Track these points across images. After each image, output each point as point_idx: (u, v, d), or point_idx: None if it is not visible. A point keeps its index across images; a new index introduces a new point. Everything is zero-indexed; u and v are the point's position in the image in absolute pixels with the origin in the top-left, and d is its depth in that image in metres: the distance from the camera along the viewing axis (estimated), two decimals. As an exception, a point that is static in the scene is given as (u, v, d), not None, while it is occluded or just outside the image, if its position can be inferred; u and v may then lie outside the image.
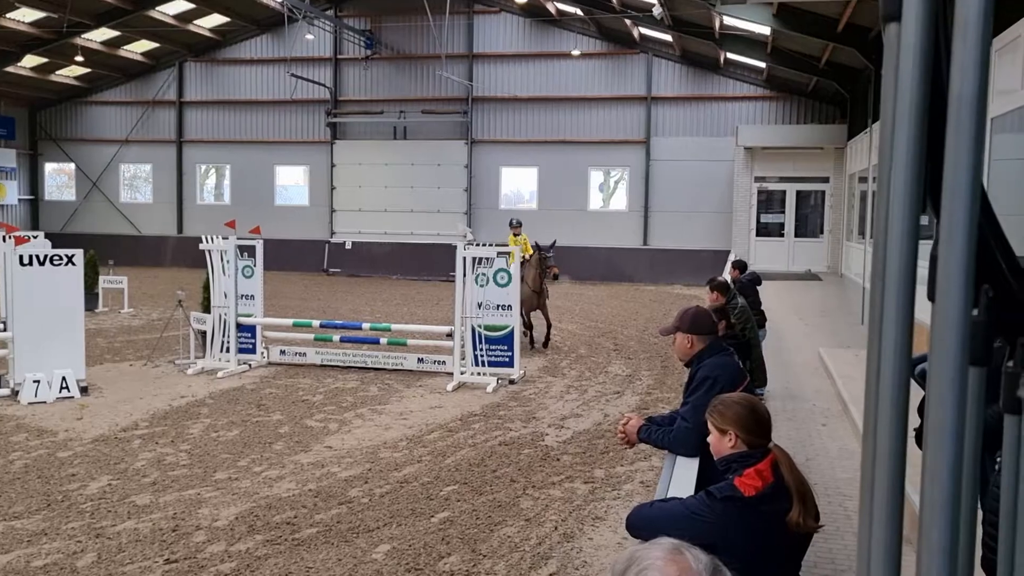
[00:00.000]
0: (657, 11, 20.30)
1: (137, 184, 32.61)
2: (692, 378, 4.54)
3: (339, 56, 29.71)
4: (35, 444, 8.96)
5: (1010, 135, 8.60)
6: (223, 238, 13.14)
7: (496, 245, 13.25)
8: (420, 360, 13.05)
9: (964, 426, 0.83)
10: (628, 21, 24.49)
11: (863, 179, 19.11)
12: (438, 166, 28.90)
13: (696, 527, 2.98)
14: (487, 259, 12.55)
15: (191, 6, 27.26)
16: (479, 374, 12.20)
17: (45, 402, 10.71)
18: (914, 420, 1.33)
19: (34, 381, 10.74)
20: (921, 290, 0.89)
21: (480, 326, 12.34)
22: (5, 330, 11.33)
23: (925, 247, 0.90)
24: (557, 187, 28.00)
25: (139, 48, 29.92)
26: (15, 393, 10.87)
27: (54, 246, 12.19)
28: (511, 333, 12.42)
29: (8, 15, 25.01)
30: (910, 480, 0.96)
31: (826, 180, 25.13)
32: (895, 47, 0.88)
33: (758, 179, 25.57)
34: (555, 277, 14.83)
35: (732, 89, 26.81)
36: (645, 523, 3.23)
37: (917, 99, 0.86)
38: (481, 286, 12.47)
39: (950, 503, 0.82)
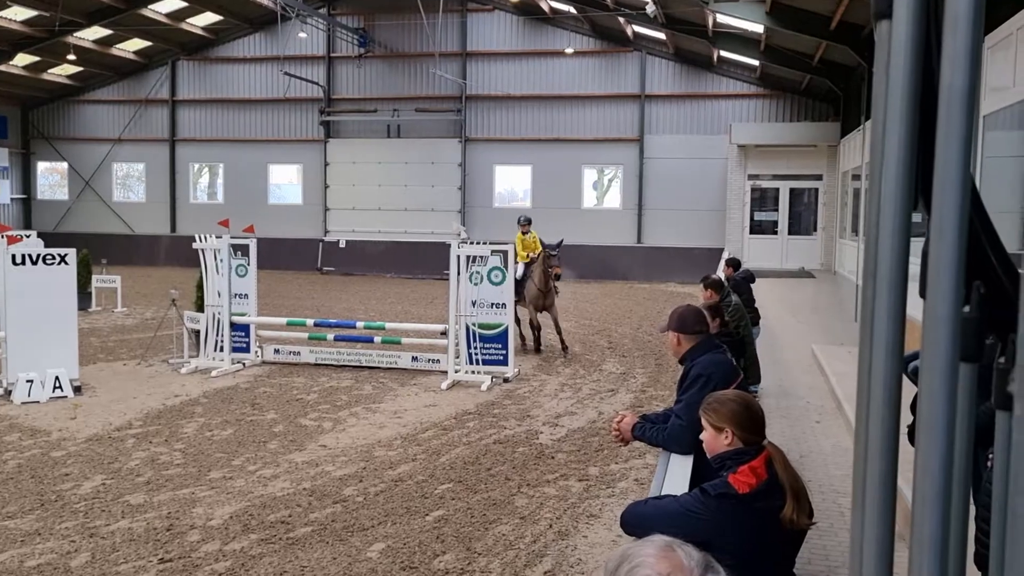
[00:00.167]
0: (650, 9, 20.29)
1: (130, 183, 32.53)
2: (685, 375, 4.55)
3: (332, 54, 29.66)
4: (28, 444, 8.94)
5: (1003, 132, 8.63)
6: (217, 237, 13.11)
7: (491, 243, 13.18)
8: (414, 359, 13.04)
9: (956, 422, 0.83)
10: (621, 19, 24.48)
11: (856, 177, 19.16)
12: (432, 164, 28.88)
13: (691, 524, 2.98)
14: (481, 257, 12.54)
15: (184, 4, 27.19)
16: (473, 372, 12.19)
17: (38, 402, 10.67)
18: (907, 417, 1.33)
19: (27, 381, 10.71)
20: (913, 287, 0.89)
21: (474, 324, 12.34)
22: (-2, 330, 11.30)
23: (917, 244, 0.90)
24: (551, 185, 28.01)
25: (131, 47, 29.83)
26: (8, 393, 10.83)
27: (47, 245, 12.14)
28: (505, 331, 12.43)
29: (0, 13, 24.92)
30: (903, 476, 0.96)
31: (819, 178, 25.19)
32: (886, 45, 0.88)
33: (751, 177, 25.62)
34: (556, 277, 14.04)
35: (725, 87, 26.84)
36: (640, 520, 3.23)
37: (908, 96, 0.86)
38: (475, 284, 12.47)
39: (941, 498, 0.82)
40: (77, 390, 11.10)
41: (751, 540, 3.03)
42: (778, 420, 9.20)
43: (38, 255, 11.07)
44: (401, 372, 12.79)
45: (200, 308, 13.35)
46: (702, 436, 3.39)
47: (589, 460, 8.52)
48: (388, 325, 13.76)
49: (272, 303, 18.82)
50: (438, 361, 12.75)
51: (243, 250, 13.45)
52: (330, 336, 13.60)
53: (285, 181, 31.04)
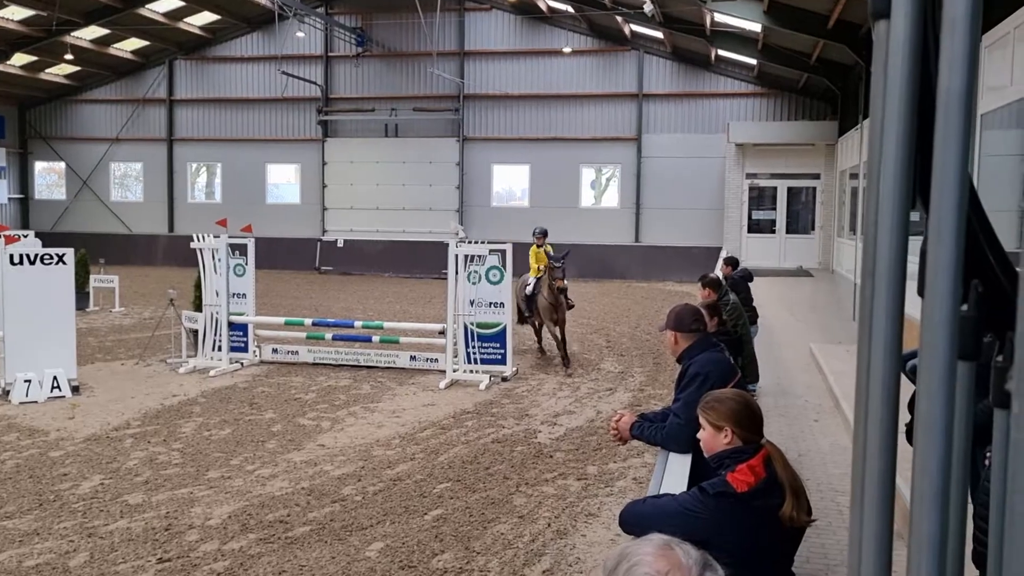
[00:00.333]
0: (648, 8, 20.29)
1: (128, 183, 32.49)
2: (683, 374, 4.55)
3: (330, 54, 29.64)
4: (26, 444, 8.93)
5: (1000, 131, 8.63)
6: (214, 236, 13.11)
7: (489, 243, 13.14)
8: (412, 358, 13.04)
9: (954, 420, 0.83)
10: (619, 18, 24.48)
11: (854, 175, 19.17)
12: (430, 164, 28.87)
13: (689, 523, 2.99)
14: (479, 256, 12.54)
15: (181, 4, 27.17)
16: (472, 372, 12.20)
17: (36, 402, 10.67)
18: (904, 416, 1.33)
19: (25, 381, 10.70)
20: (911, 285, 0.90)
21: (472, 324, 12.34)
22: (-5, 330, 11.29)
23: (915, 243, 0.90)
24: (549, 184, 28.01)
25: (129, 46, 29.79)
26: (6, 393, 10.82)
27: (44, 245, 12.15)
28: (503, 331, 12.43)
29: (-3, 13, 24.92)
30: (901, 475, 0.97)
31: (817, 176, 25.21)
32: (884, 44, 0.88)
33: (749, 176, 25.63)
34: (561, 290, 12.89)
35: (723, 86, 26.85)
36: (638, 519, 3.23)
37: (906, 96, 0.86)
38: (473, 284, 12.47)
39: (940, 497, 0.82)
40: (75, 390, 11.09)
41: (750, 539, 3.03)
42: (776, 419, 9.21)
43: (36, 255, 11.06)
44: (399, 371, 12.79)
45: (198, 308, 13.35)
46: (700, 435, 3.39)
47: (587, 459, 8.52)
48: (386, 324, 13.75)
49: (270, 303, 18.81)
50: (436, 360, 12.75)
51: (241, 250, 13.44)
52: (328, 336, 13.59)
53: (283, 181, 31.02)
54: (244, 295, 13.45)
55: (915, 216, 0.93)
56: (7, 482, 7.72)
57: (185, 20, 28.44)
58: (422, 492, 7.50)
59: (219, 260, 12.94)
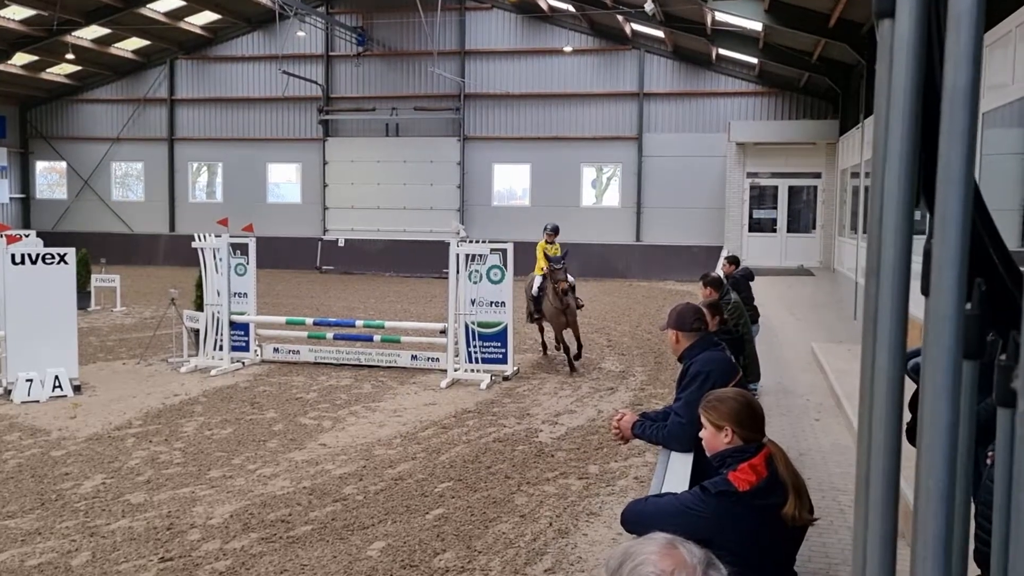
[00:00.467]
0: (649, 7, 20.29)
1: (129, 182, 32.50)
2: (684, 373, 4.55)
3: (331, 53, 29.64)
4: (28, 443, 8.94)
5: (1001, 130, 8.63)
6: (216, 236, 13.11)
7: (490, 242, 13.10)
8: (414, 357, 13.04)
9: (959, 419, 0.83)
10: (620, 17, 24.46)
11: (855, 174, 19.15)
12: (431, 163, 28.87)
13: (691, 522, 2.98)
14: (480, 256, 12.53)
15: (182, 3, 27.17)
16: (473, 371, 12.20)
17: (38, 401, 10.67)
18: (904, 415, 1.33)
19: (27, 380, 10.71)
20: (914, 284, 0.90)
21: (473, 323, 12.34)
22: (-3, 329, 11.30)
23: (918, 242, 0.90)
24: (550, 184, 28.00)
25: (130, 46, 29.80)
26: (8, 392, 10.83)
27: (46, 245, 12.15)
28: (504, 330, 12.42)
29: (-2, 13, 24.93)
30: (902, 474, 0.97)
31: (818, 175, 25.19)
32: (889, 43, 0.88)
33: (750, 175, 25.62)
34: (565, 292, 12.40)
35: (724, 85, 26.84)
36: (640, 518, 3.23)
37: (911, 95, 0.86)
38: (474, 283, 12.46)
39: (946, 496, 0.82)
40: (77, 389, 11.10)
41: (751, 538, 3.03)
42: (777, 418, 9.21)
43: (37, 254, 11.07)
44: (400, 371, 12.79)
45: (199, 307, 13.35)
46: (702, 434, 3.39)
47: (589, 458, 8.52)
48: (387, 324, 13.75)
49: (271, 302, 18.81)
50: (437, 360, 12.75)
51: (242, 249, 13.45)
52: (329, 335, 13.59)
53: (284, 180, 31.03)
54: (245, 294, 13.46)
55: (917, 215, 0.93)
56: (9, 481, 7.73)
57: (186, 20, 28.45)
58: (423, 491, 7.50)
59: (220, 259, 12.94)
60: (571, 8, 26.07)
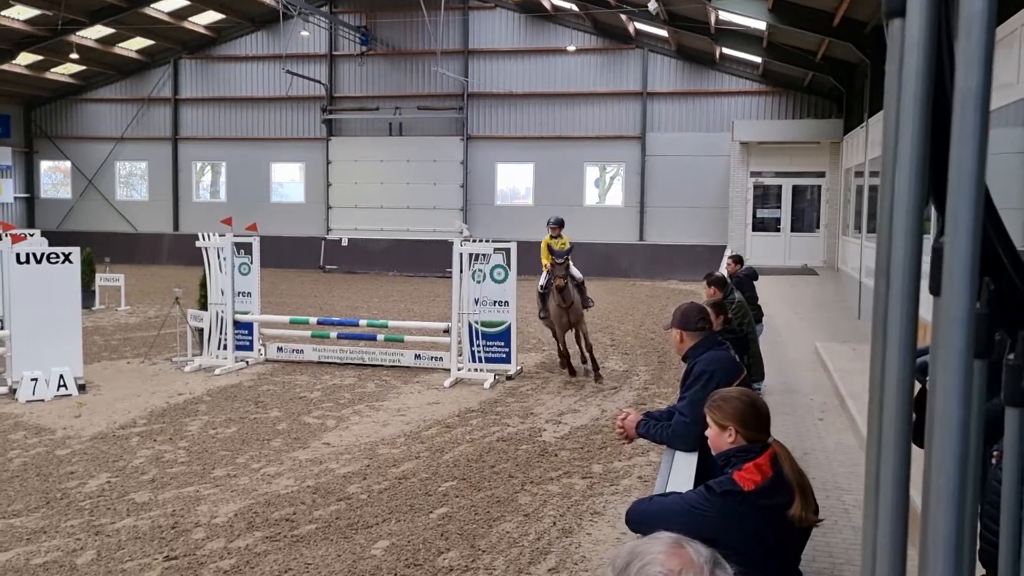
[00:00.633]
0: (652, 6, 20.29)
1: (133, 182, 32.54)
2: (688, 373, 4.55)
3: (334, 53, 29.66)
4: (33, 442, 8.95)
5: (1007, 129, 8.61)
6: (220, 235, 13.12)
7: (493, 241, 13.07)
8: (417, 356, 13.05)
9: (970, 419, 0.83)
10: (623, 16, 24.46)
11: (859, 174, 19.12)
12: (434, 162, 28.88)
13: (695, 521, 2.99)
14: (484, 255, 12.53)
15: (186, 3, 27.19)
16: (476, 370, 12.20)
17: (43, 400, 10.69)
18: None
19: (32, 379, 10.73)
20: (922, 284, 0.90)
21: (477, 322, 12.34)
22: (2, 328, 11.32)
23: (926, 242, 0.90)
24: (553, 183, 27.99)
25: (134, 45, 29.84)
26: (13, 391, 10.85)
27: (50, 244, 12.18)
28: (508, 329, 12.41)
29: (3, 12, 24.93)
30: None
31: (822, 175, 25.17)
32: (899, 43, 0.88)
33: (754, 174, 25.60)
34: (559, 289, 11.75)
35: (728, 84, 26.81)
36: (644, 518, 3.24)
37: (921, 95, 0.86)
38: (478, 282, 12.46)
39: (957, 496, 0.82)
40: (81, 388, 11.12)
41: (756, 537, 3.03)
42: (781, 417, 9.20)
43: (42, 254, 11.09)
44: (404, 370, 12.80)
45: (203, 306, 13.36)
46: (707, 433, 3.39)
47: (593, 457, 8.52)
48: (391, 323, 13.76)
49: (275, 301, 18.83)
50: (441, 359, 12.76)
51: (246, 248, 13.46)
52: (333, 334, 13.59)
53: (287, 179, 31.06)
54: (249, 294, 13.48)
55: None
56: (14, 480, 7.74)
57: (190, 19, 28.47)
58: (427, 490, 7.50)
59: (224, 259, 12.95)
60: (574, 7, 26.06)
